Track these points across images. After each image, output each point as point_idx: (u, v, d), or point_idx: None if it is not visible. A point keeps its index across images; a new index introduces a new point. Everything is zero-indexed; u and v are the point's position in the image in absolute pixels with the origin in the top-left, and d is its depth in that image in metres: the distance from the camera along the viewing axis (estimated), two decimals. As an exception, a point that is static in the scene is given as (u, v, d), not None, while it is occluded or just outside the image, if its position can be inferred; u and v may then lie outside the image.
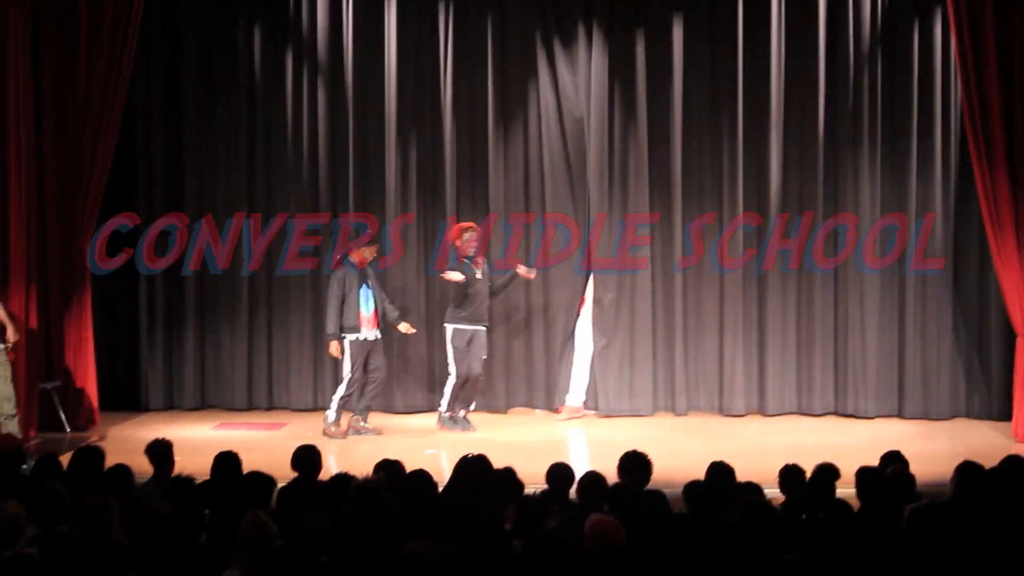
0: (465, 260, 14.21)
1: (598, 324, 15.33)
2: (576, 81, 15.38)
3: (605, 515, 7.09)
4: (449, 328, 14.30)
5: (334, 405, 14.17)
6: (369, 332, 14.20)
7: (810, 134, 15.21)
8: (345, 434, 14.08)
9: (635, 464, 8.78)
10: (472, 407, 14.60)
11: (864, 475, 8.40)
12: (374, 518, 7.05)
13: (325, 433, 13.98)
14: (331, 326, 14.12)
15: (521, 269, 14.62)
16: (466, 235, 14.25)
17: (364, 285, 14.18)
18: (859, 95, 15.14)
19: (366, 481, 7.91)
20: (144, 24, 14.62)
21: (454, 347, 14.27)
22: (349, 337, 14.08)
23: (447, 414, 14.34)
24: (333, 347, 14.15)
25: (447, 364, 14.39)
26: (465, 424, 14.33)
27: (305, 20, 15.62)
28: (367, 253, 14.25)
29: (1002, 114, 13.56)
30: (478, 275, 14.26)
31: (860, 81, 15.13)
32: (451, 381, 14.31)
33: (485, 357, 14.56)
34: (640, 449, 8.92)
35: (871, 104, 15.14)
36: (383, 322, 14.40)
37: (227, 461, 9.09)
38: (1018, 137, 13.60)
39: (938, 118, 15.04)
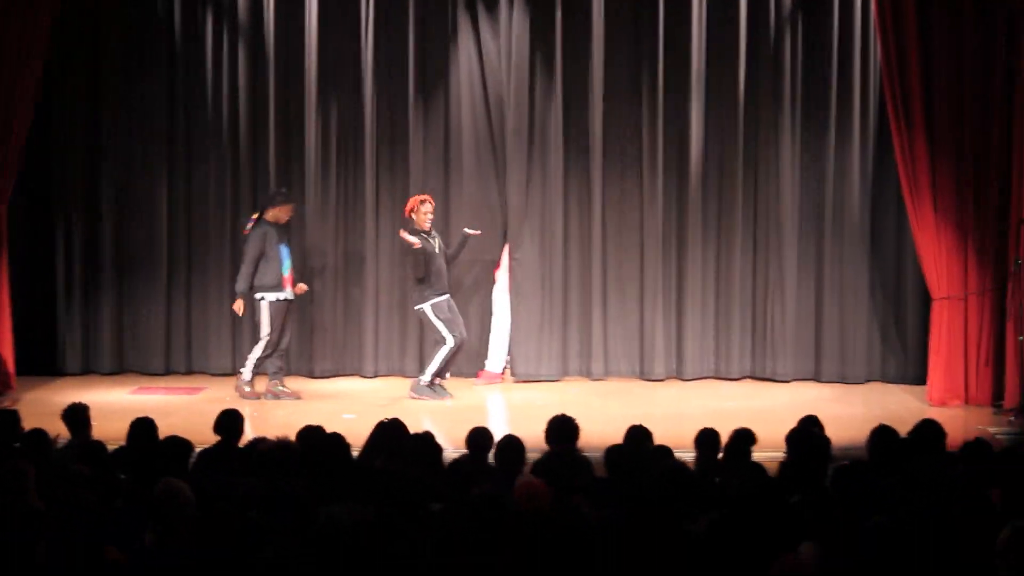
0: (422, 233, 14.04)
1: (516, 289, 15.31)
2: (498, 45, 15.33)
3: (533, 478, 7.14)
4: (427, 307, 14.06)
5: (249, 364, 14.17)
6: (288, 292, 14.18)
7: (730, 98, 15.27)
8: (260, 396, 14.05)
9: (562, 428, 8.83)
10: (447, 375, 14.43)
11: (793, 436, 8.48)
12: (282, 482, 7.05)
13: (238, 391, 13.99)
14: (242, 283, 14.11)
15: (468, 230, 14.55)
16: (423, 208, 14.09)
17: (283, 244, 14.14)
18: (779, 57, 15.21)
19: (273, 444, 7.86)
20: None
21: (440, 319, 14.04)
22: (269, 296, 14.08)
23: (427, 383, 14.04)
24: (238, 305, 14.17)
25: (438, 337, 14.13)
26: (442, 392, 14.11)
27: (225, -20, 15.52)
28: (282, 213, 14.20)
29: (920, 76, 13.64)
30: (436, 248, 14.13)
31: (780, 42, 15.19)
32: (446, 348, 14.02)
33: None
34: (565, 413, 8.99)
35: (792, 67, 15.22)
36: None
37: (142, 427, 9.04)
38: (936, 100, 13.70)
39: (857, 81, 15.14)
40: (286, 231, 14.27)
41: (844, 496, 7.08)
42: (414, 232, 13.98)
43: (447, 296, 14.19)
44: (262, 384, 14.35)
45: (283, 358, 14.44)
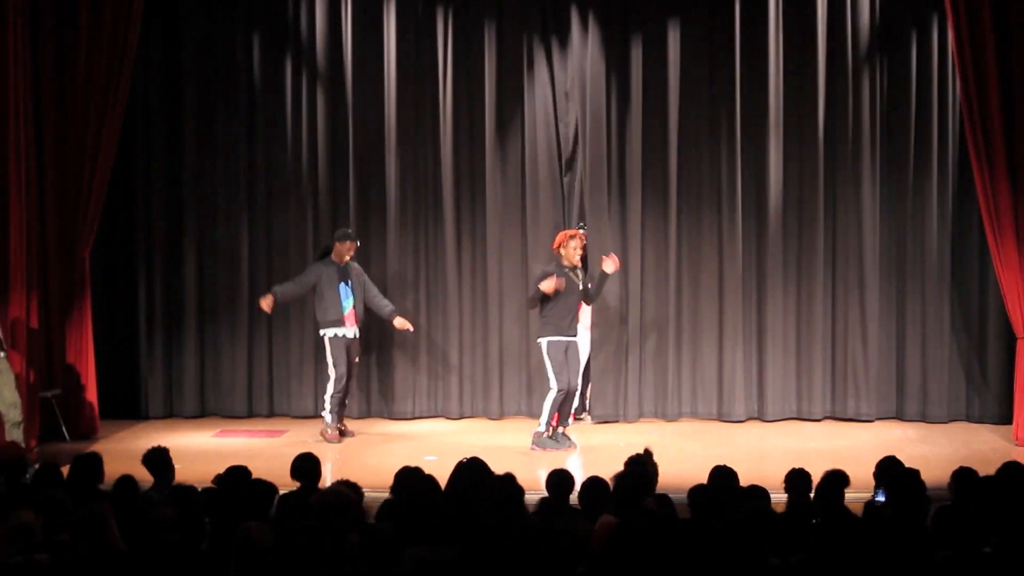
0: (565, 269, 13.77)
1: (595, 330, 15.25)
2: (573, 87, 15.36)
3: (612, 517, 7.13)
4: (544, 342, 13.71)
5: (327, 406, 14.24)
6: (349, 330, 14.28)
7: (810, 139, 15.20)
8: (343, 437, 14.22)
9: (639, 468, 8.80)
10: (570, 422, 14.12)
11: (892, 474, 8.42)
12: (340, 529, 7.06)
13: (323, 435, 14.06)
14: (279, 288, 14.42)
15: (606, 265, 14.03)
16: (572, 243, 13.87)
17: (343, 283, 14.25)
18: (858, 100, 15.14)
19: (325, 494, 7.84)
20: (144, 30, 14.67)
21: (552, 360, 13.67)
22: (329, 333, 14.20)
23: (546, 433, 13.67)
24: (267, 301, 14.31)
25: (546, 379, 13.82)
26: (564, 441, 13.74)
27: (304, 27, 15.64)
28: (343, 250, 14.29)
29: (1002, 116, 13.53)
30: (579, 285, 13.86)
31: (859, 86, 15.14)
32: (552, 395, 13.68)
33: (582, 369, 14.60)
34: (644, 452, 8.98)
35: (871, 109, 15.15)
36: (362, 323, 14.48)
37: (234, 473, 9.08)
38: (1018, 140, 13.57)
39: (935, 122, 15.06)
40: (347, 270, 14.34)
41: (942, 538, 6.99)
42: (560, 267, 13.75)
43: (569, 339, 13.75)
44: (351, 424, 14.60)
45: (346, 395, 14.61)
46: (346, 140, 15.65)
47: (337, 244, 14.33)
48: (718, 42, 15.31)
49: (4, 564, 6.13)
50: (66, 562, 6.50)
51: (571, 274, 13.76)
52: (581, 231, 14.45)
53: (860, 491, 9.44)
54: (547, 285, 13.41)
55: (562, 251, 13.82)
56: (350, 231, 14.62)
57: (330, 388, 14.23)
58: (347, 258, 14.32)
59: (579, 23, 15.25)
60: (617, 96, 15.30)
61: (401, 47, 15.52)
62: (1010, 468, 8.67)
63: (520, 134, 15.54)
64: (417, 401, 15.78)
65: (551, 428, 13.65)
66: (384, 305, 14.62)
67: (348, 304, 14.27)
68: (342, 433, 14.31)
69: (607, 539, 6.61)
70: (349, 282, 14.31)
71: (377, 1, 15.52)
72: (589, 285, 13.99)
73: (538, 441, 13.64)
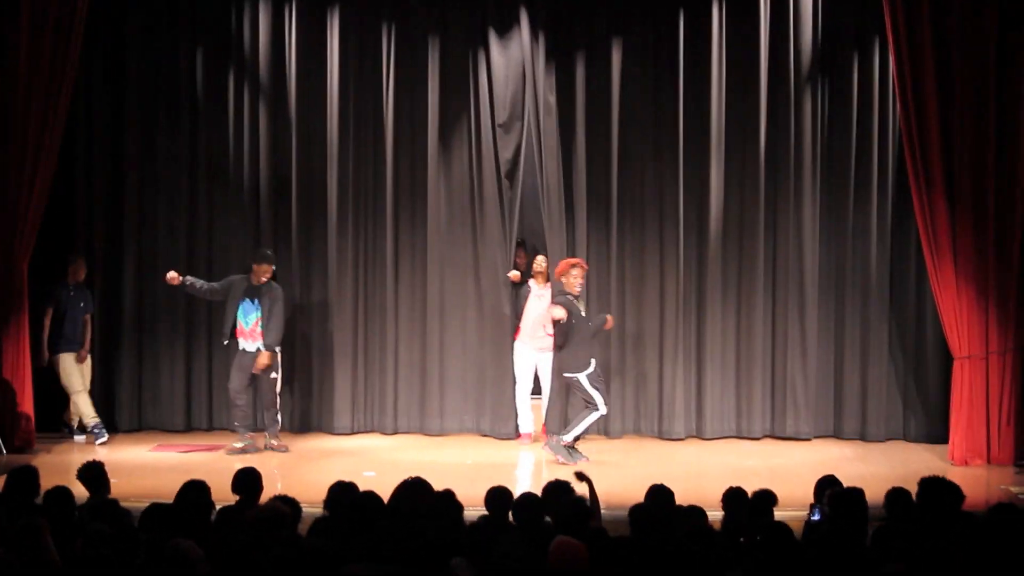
0: (569, 297, 13.86)
1: (535, 349, 15.23)
2: (517, 102, 15.36)
3: (568, 538, 7.12)
4: (583, 377, 13.72)
5: (277, 416, 14.46)
6: (247, 344, 14.50)
7: (751, 158, 15.25)
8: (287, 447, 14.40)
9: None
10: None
11: (837, 492, 8.48)
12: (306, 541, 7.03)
13: (268, 447, 14.19)
14: (192, 279, 14.58)
15: (609, 319, 14.39)
16: (573, 272, 13.94)
17: (248, 299, 14.44)
18: (800, 120, 15.23)
19: (260, 509, 7.80)
20: (86, 43, 14.56)
21: (595, 387, 13.75)
22: (226, 343, 14.57)
23: (568, 443, 13.68)
24: (175, 277, 14.37)
25: (588, 400, 13.74)
26: (577, 456, 13.69)
27: (247, 40, 15.60)
28: (260, 272, 14.45)
29: (940, 138, 13.63)
30: (583, 313, 13.90)
31: (801, 106, 15.22)
32: (595, 414, 13.73)
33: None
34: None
35: (812, 129, 15.24)
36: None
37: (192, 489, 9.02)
38: (956, 161, 13.68)
39: (875, 144, 15.18)
40: (258, 290, 14.43)
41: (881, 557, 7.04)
42: (564, 296, 13.83)
43: (594, 360, 13.87)
44: (287, 438, 14.80)
45: (254, 411, 14.87)
46: (288, 152, 15.60)
47: (254, 265, 14.41)
48: (661, 60, 15.36)
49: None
50: (-1, 576, 6.43)
51: (575, 302, 13.87)
52: (581, 260, 14.45)
53: (798, 509, 9.50)
54: (558, 313, 13.70)
55: (563, 279, 13.92)
56: (268, 252, 14.69)
57: (279, 401, 14.59)
58: (263, 279, 14.40)
59: (523, 38, 15.25)
60: (560, 112, 15.31)
61: (344, 59, 15.52)
62: (937, 485, 8.72)
63: (464, 148, 15.52)
64: (355, 416, 15.72)
65: (573, 443, 13.74)
66: (269, 335, 14.49)
67: (250, 320, 14.41)
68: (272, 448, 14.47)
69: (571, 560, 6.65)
70: (256, 300, 14.41)
71: (320, 14, 15.49)
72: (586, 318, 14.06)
73: (554, 447, 13.74)
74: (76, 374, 14.94)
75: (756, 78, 15.20)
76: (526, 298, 14.93)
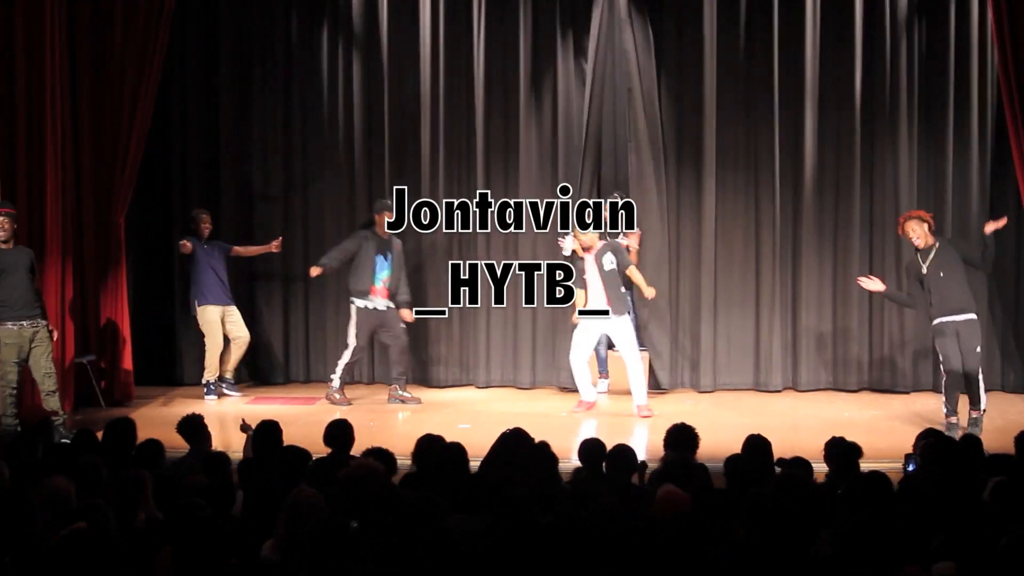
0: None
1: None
2: (607, 56, 15.28)
3: (671, 486, 7.13)
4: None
5: (338, 371, 14.36)
6: (379, 302, 14.31)
7: (847, 108, 15.10)
8: (350, 401, 14.33)
9: (682, 437, 8.82)
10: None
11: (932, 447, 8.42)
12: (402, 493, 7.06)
13: (328, 399, 14.18)
14: (325, 259, 14.56)
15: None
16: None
17: (380, 255, 14.27)
18: (896, 65, 15.04)
19: (356, 467, 7.81)
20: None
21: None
22: (358, 303, 14.27)
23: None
24: (315, 270, 14.55)
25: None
26: None
27: (340, -2, 15.65)
28: (382, 220, 14.35)
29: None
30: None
31: (897, 54, 15.03)
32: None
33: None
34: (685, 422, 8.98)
35: (908, 75, 15.05)
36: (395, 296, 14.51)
37: (268, 431, 9.13)
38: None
39: (974, 91, 14.96)
40: (388, 244, 14.36)
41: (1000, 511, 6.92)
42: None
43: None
44: (351, 391, 14.69)
45: (405, 364, 14.67)
46: (381, 108, 15.64)
47: (376, 215, 14.35)
48: (755, 9, 15.21)
49: (49, 543, 6.13)
50: (102, 529, 6.50)
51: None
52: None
53: (894, 461, 9.46)
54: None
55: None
56: (388, 201, 14.62)
57: (345, 356, 14.37)
58: (383, 227, 14.33)
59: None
60: (654, 64, 15.20)
61: (435, 13, 15.50)
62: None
63: (553, 100, 15.48)
64: (449, 369, 15.82)
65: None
66: (404, 292, 14.57)
67: (381, 277, 14.29)
68: (404, 400, 14.53)
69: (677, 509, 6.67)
70: (388, 255, 14.31)
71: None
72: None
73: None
74: (215, 328, 14.85)
75: (851, 25, 15.02)
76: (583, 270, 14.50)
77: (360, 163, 15.68)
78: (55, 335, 12.87)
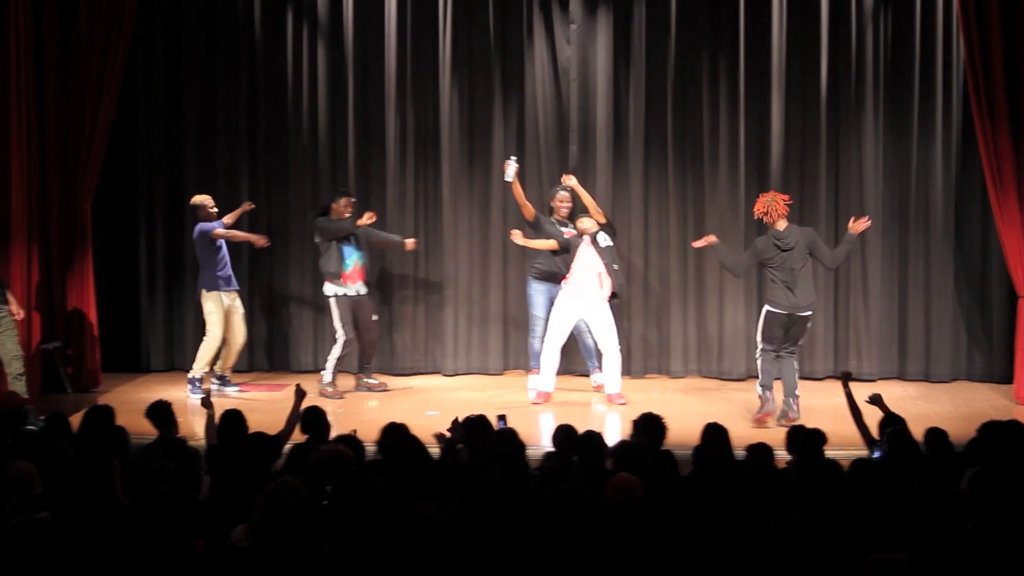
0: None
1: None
2: (574, 41, 15.28)
3: (625, 473, 7.17)
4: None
5: (330, 366, 14.23)
6: (351, 288, 14.26)
7: (812, 94, 15.12)
8: (343, 394, 14.18)
9: (650, 425, 8.86)
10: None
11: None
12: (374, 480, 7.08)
13: (322, 394, 14.00)
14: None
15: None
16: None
17: (346, 240, 14.24)
18: (861, 53, 15.04)
19: (325, 452, 7.82)
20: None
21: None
22: (330, 291, 14.22)
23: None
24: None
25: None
26: None
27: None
28: (339, 207, 14.29)
29: (1005, 72, 13.50)
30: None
31: (863, 38, 15.03)
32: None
33: None
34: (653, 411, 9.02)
35: (874, 62, 15.05)
36: (370, 277, 14.56)
37: (233, 419, 9.14)
38: (1021, 94, 13.54)
39: (939, 78, 14.96)
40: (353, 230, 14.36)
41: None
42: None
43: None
44: (345, 382, 14.51)
45: (372, 353, 14.68)
46: (345, 93, 15.58)
47: (332, 204, 14.34)
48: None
49: (6, 526, 6.12)
50: (67, 517, 6.49)
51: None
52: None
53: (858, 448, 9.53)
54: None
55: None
56: (345, 189, 14.62)
57: (335, 351, 14.24)
58: (346, 215, 14.28)
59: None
60: (620, 53, 15.24)
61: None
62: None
63: (519, 89, 15.46)
64: (414, 357, 15.81)
65: None
66: (392, 238, 14.69)
67: (351, 263, 14.26)
68: (371, 388, 14.48)
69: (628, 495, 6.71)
70: (352, 239, 14.28)
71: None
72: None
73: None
74: (219, 319, 14.32)
75: (817, 13, 15.03)
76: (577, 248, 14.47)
77: (324, 149, 15.61)
78: (19, 315, 12.82)
